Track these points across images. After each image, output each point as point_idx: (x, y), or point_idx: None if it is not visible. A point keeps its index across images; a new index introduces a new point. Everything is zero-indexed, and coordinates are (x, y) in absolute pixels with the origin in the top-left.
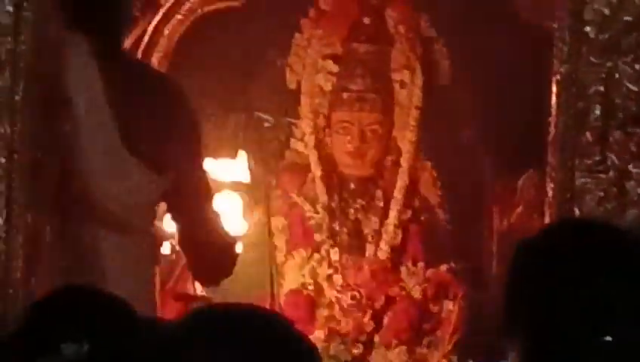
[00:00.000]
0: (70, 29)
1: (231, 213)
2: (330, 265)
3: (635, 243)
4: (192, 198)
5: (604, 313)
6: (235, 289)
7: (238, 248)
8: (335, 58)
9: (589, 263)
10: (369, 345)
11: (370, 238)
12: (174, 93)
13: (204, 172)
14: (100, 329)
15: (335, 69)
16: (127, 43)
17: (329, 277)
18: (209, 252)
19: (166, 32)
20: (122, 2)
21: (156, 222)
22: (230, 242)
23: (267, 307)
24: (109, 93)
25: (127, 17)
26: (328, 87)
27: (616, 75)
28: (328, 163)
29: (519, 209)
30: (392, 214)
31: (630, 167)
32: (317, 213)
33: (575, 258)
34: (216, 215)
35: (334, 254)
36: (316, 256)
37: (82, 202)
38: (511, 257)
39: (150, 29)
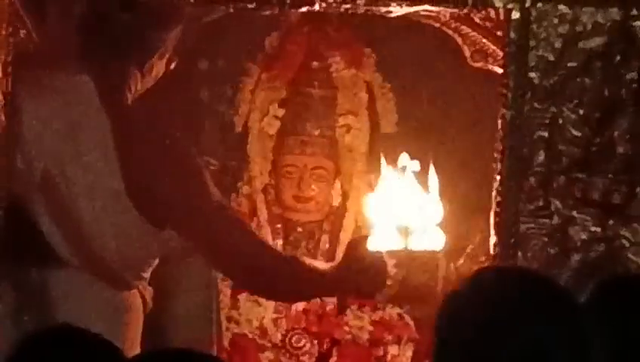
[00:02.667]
0: (80, 73)
1: None
2: (275, 308)
3: (561, 291)
4: (217, 233)
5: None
6: (177, 333)
7: None
8: (281, 102)
9: (514, 312)
10: None
11: None
12: (177, 148)
13: (220, 204)
14: None
15: (281, 112)
16: None
17: (274, 321)
18: None
19: None
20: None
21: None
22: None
23: (210, 351)
24: (116, 143)
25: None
26: (274, 130)
27: (560, 121)
28: (274, 207)
29: (466, 253)
30: (339, 258)
31: (574, 212)
32: None
33: (501, 307)
34: None
35: None
36: (262, 299)
37: (74, 249)
38: (439, 307)
39: None
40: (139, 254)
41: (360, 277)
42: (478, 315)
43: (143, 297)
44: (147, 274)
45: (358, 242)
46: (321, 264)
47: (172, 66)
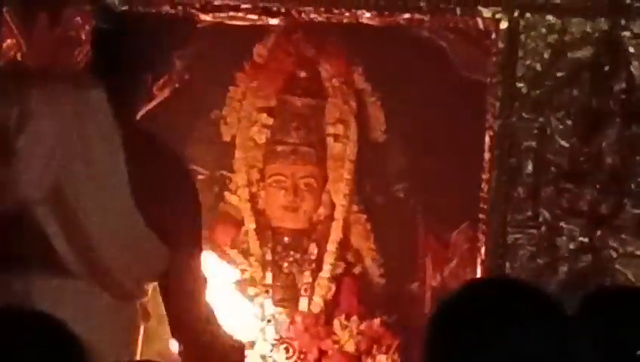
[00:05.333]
0: (93, 88)
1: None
2: (263, 318)
3: (551, 303)
4: (189, 282)
5: None
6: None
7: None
8: (270, 111)
9: (503, 324)
10: None
11: (303, 291)
12: (182, 166)
13: (200, 253)
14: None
15: (269, 121)
16: None
17: (262, 330)
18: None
19: None
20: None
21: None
22: (234, 345)
23: None
24: (127, 158)
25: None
26: (262, 139)
27: (548, 131)
28: (262, 216)
29: (453, 263)
30: (326, 267)
31: (562, 223)
32: (250, 266)
33: (490, 319)
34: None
35: (267, 307)
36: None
37: (81, 260)
38: (429, 318)
39: None
40: (146, 268)
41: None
42: (468, 327)
43: (145, 309)
44: (150, 287)
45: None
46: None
47: (182, 81)
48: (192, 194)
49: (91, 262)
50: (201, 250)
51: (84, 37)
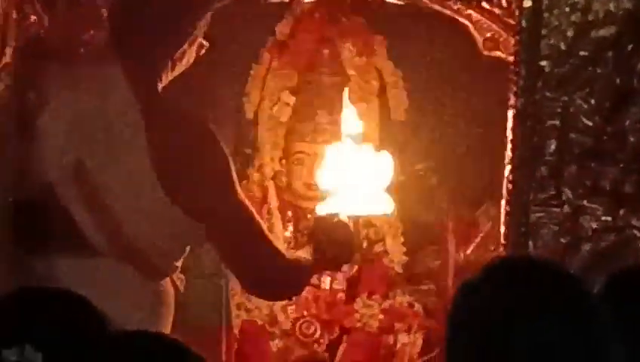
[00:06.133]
0: (111, 64)
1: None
2: None
3: (575, 283)
4: (234, 234)
5: (543, 355)
6: (187, 318)
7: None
8: (292, 89)
9: (528, 305)
10: None
11: None
12: (204, 133)
13: (241, 205)
14: (59, 335)
15: (292, 100)
16: None
17: (284, 308)
18: (265, 272)
19: None
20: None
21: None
22: (293, 261)
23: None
24: (148, 133)
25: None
26: (285, 118)
27: (572, 110)
28: (285, 194)
29: (475, 241)
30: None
31: (585, 201)
32: None
33: (514, 300)
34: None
35: None
36: None
37: (109, 238)
38: (453, 297)
39: None
40: (172, 244)
41: (332, 249)
42: (492, 307)
43: (175, 285)
44: (179, 263)
45: (321, 218)
46: (304, 253)
47: (202, 52)
48: (219, 156)
49: (116, 239)
50: (241, 202)
51: (105, 14)
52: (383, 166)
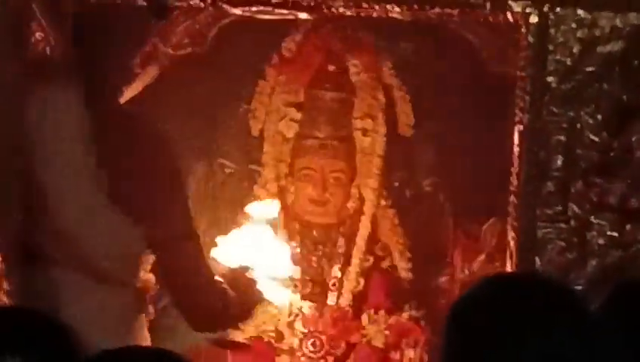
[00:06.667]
0: (66, 76)
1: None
2: (291, 312)
3: (579, 299)
4: (180, 249)
5: None
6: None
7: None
8: (298, 105)
9: (538, 321)
10: None
11: (332, 285)
12: (159, 142)
13: (188, 221)
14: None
15: (298, 116)
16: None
17: (290, 324)
18: (198, 296)
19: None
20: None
21: (143, 274)
22: (223, 288)
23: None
24: (98, 140)
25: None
26: (291, 134)
27: (578, 125)
28: (291, 210)
29: (481, 257)
30: (354, 261)
31: (591, 217)
32: None
33: (508, 316)
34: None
35: (296, 301)
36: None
37: (59, 247)
38: (449, 310)
39: None
40: (128, 252)
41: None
42: (484, 321)
43: (142, 292)
44: (141, 271)
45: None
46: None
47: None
48: (171, 172)
49: (76, 253)
50: (191, 228)
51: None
52: (281, 256)
